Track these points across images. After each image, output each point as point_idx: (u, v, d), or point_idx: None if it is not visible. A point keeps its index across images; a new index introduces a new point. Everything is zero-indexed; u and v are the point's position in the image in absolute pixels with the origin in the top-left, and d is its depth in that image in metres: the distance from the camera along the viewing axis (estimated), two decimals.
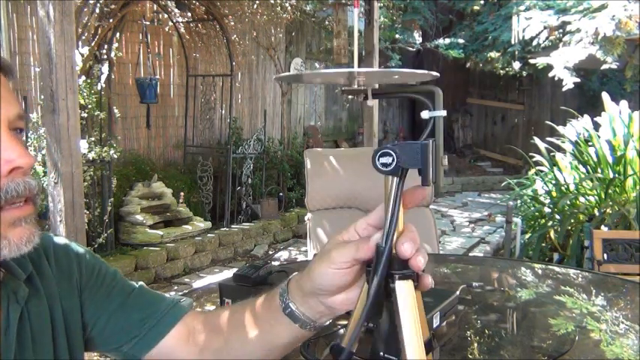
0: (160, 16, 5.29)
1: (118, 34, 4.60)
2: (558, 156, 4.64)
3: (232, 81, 5.56)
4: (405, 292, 0.58)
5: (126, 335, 0.76)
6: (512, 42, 7.81)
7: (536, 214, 4.59)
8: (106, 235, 4.18)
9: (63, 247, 0.76)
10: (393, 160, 0.55)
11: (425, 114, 0.56)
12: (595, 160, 4.25)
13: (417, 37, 9.74)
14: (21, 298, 0.67)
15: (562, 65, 6.59)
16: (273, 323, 0.69)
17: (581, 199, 4.18)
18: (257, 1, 5.72)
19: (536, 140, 4.98)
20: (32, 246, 0.61)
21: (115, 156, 4.29)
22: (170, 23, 5.43)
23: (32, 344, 0.67)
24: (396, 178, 0.57)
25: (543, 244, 4.20)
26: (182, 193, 5.21)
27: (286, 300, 0.67)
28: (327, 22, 7.54)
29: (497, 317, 1.50)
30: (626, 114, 4.35)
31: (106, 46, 4.39)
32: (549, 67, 6.82)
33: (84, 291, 0.76)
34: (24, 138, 0.65)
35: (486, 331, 1.37)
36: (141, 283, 0.82)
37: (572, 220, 4.00)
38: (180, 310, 0.79)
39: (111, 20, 4.34)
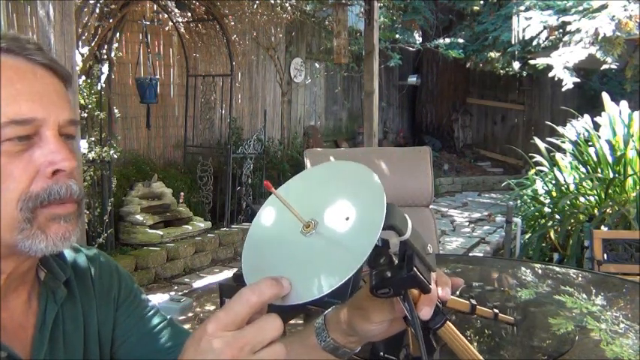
0: (160, 16, 5.28)
1: (118, 34, 4.60)
2: (558, 156, 4.64)
3: (232, 81, 5.56)
4: (447, 334, 0.66)
5: (152, 358, 0.78)
6: (512, 42, 7.80)
7: (536, 214, 4.59)
8: (106, 235, 4.18)
9: (107, 263, 0.80)
10: (390, 290, 0.60)
11: (395, 240, 0.58)
12: (595, 160, 4.25)
13: (417, 37, 9.73)
14: (59, 298, 0.70)
15: (562, 65, 6.59)
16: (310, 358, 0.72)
17: (581, 199, 4.18)
18: (257, 1, 5.72)
19: (536, 140, 4.98)
20: (69, 244, 0.63)
21: (115, 156, 4.29)
22: (170, 23, 5.43)
23: (64, 346, 0.69)
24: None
25: (543, 244, 4.20)
26: (182, 193, 5.21)
27: (326, 337, 0.71)
28: (327, 22, 7.54)
29: None
30: (626, 114, 4.35)
31: (106, 46, 4.38)
32: (549, 68, 6.82)
33: (119, 308, 0.79)
34: (75, 145, 0.67)
35: (486, 331, 1.37)
36: (170, 316, 0.85)
37: (572, 220, 4.00)
38: None
39: (111, 20, 4.34)
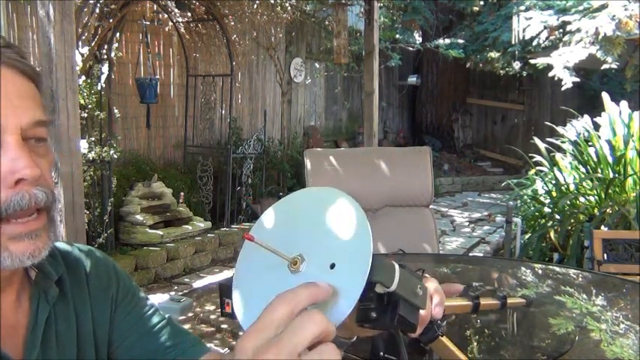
0: (160, 16, 5.28)
1: (118, 34, 4.60)
2: (558, 156, 4.65)
3: (232, 81, 5.56)
4: (439, 348, 0.66)
5: (151, 358, 0.78)
6: (512, 42, 7.80)
7: (536, 214, 4.59)
8: (106, 235, 4.18)
9: (104, 262, 0.78)
10: (375, 327, 0.59)
11: (379, 289, 0.56)
12: (595, 160, 4.25)
13: (417, 37, 9.73)
14: (51, 298, 0.68)
15: (562, 65, 6.59)
16: None
17: (581, 199, 4.18)
18: (257, 1, 5.72)
19: (536, 140, 4.98)
20: (39, 259, 0.60)
21: (115, 156, 4.29)
22: (170, 23, 5.43)
23: (56, 346, 0.68)
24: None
25: (543, 244, 4.20)
26: (182, 193, 5.21)
27: None
28: (327, 22, 7.54)
29: (497, 317, 1.49)
30: (626, 114, 4.35)
31: (106, 46, 4.38)
32: (549, 67, 6.82)
33: (117, 308, 0.77)
34: (47, 148, 0.63)
35: (486, 331, 1.37)
36: (168, 315, 0.84)
37: (572, 220, 4.00)
38: (204, 347, 0.82)
39: (111, 20, 4.34)
